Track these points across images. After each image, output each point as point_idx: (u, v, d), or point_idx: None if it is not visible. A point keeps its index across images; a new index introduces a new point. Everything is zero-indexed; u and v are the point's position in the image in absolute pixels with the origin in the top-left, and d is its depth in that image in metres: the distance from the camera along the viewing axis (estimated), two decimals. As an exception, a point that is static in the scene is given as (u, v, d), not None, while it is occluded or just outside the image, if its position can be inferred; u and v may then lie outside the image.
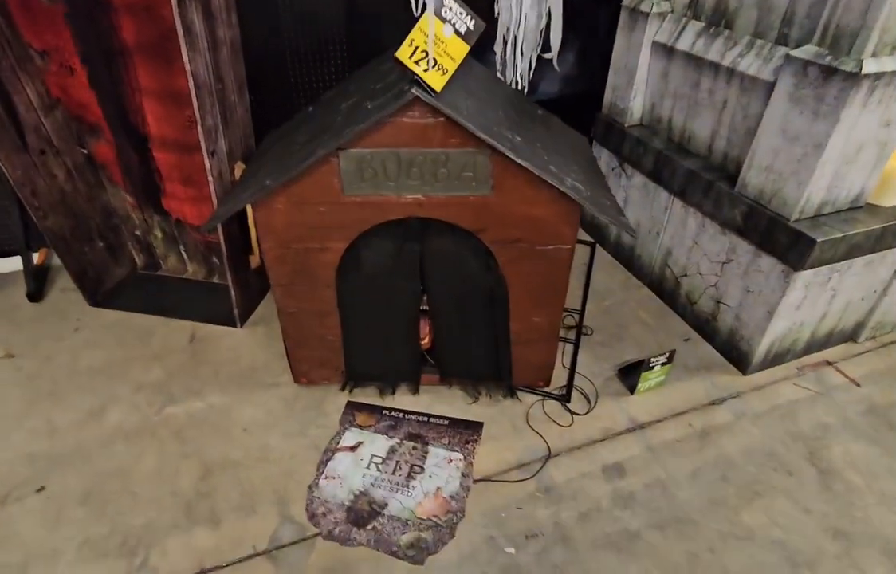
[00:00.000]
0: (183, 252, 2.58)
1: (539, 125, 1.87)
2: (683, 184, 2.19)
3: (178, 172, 2.24)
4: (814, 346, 2.17)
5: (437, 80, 1.34)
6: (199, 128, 1.77)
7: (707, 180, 2.08)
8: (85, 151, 2.29)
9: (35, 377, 2.06)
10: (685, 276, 2.33)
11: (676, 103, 2.29)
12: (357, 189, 1.54)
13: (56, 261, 2.60)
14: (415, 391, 2.00)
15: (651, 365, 1.95)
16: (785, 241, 1.81)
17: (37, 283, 2.47)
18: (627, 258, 2.70)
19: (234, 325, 2.31)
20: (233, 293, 2.20)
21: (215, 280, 2.53)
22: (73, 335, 2.27)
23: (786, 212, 1.82)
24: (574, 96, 3.02)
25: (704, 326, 2.27)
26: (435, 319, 1.85)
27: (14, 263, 2.57)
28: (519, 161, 1.43)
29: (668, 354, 1.97)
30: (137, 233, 2.54)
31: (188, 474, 1.73)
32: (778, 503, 1.69)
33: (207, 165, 1.84)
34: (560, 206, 1.56)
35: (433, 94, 1.35)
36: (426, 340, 1.93)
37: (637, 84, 2.42)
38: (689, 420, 1.95)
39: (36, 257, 2.55)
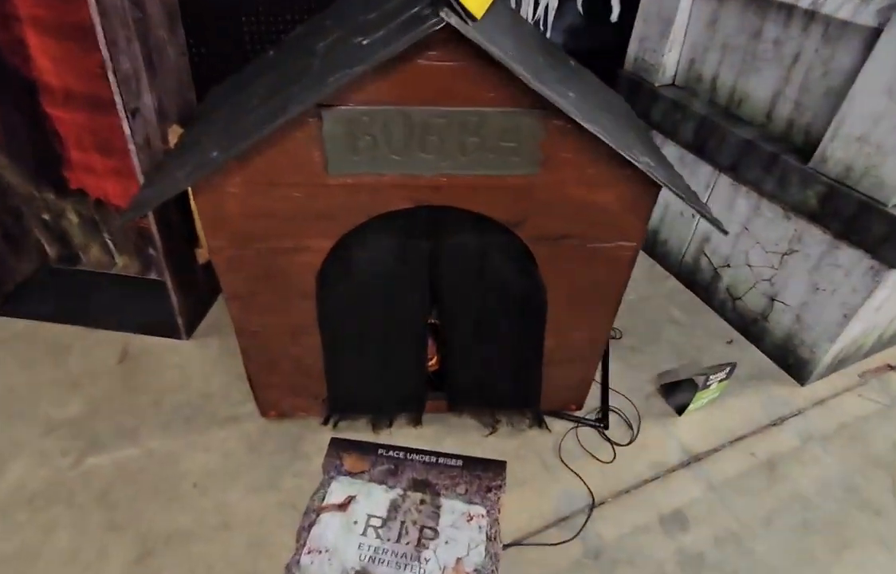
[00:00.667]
0: (108, 241, 2.03)
1: (577, 80, 1.43)
2: (736, 157, 1.81)
3: (93, 138, 1.69)
4: (876, 348, 1.87)
5: (476, 1, 0.88)
6: (111, 74, 1.25)
7: (770, 153, 1.70)
8: (-36, 111, 1.70)
9: None
10: (727, 266, 1.97)
11: (725, 58, 1.89)
12: (348, 166, 1.07)
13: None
14: (417, 422, 1.58)
15: (708, 382, 1.59)
16: (880, 230, 1.46)
17: None
18: (650, 243, 2.33)
19: (178, 337, 1.81)
20: (174, 296, 1.70)
21: (154, 277, 2.01)
22: (-42, 355, 1.72)
23: (882, 195, 1.46)
24: (582, 52, 2.57)
25: (750, 327, 1.93)
26: (447, 336, 1.42)
27: None
28: (587, 126, 0.99)
29: (727, 368, 1.61)
30: (46, 217, 1.97)
31: (119, 555, 1.26)
32: (872, 554, 1.38)
33: (127, 129, 1.33)
34: (629, 190, 1.14)
35: (471, 22, 0.89)
36: (433, 361, 1.51)
37: (674, 34, 2.01)
38: (750, 447, 1.61)
39: None
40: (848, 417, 1.71)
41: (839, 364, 1.79)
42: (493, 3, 1.06)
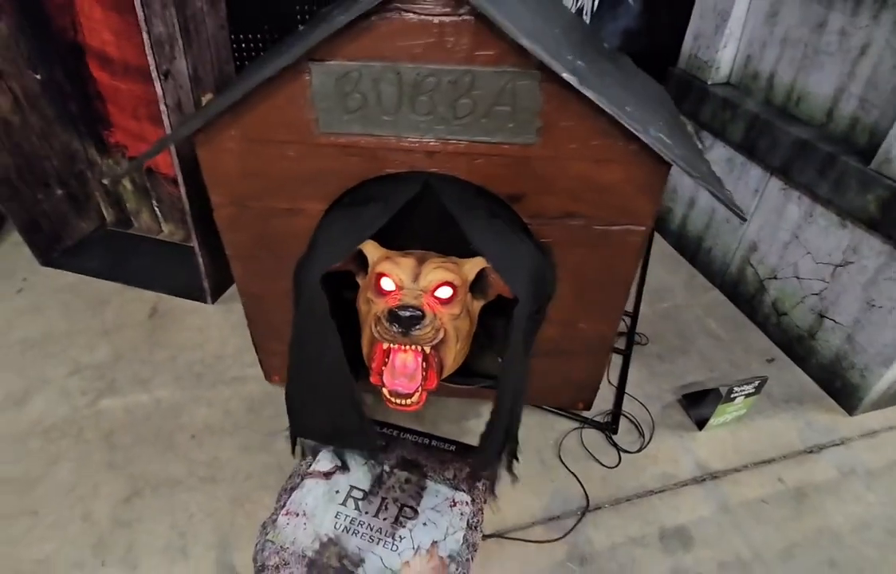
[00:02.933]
0: (157, 208, 2.16)
1: (607, 60, 1.36)
2: (789, 158, 1.65)
3: (146, 109, 1.81)
4: (949, 384, 1.63)
5: (459, -51, 0.85)
6: (145, 36, 1.32)
7: (827, 154, 1.54)
8: (38, 77, 1.87)
9: (-46, 346, 1.70)
10: (774, 278, 1.80)
11: (785, 53, 1.74)
12: (339, 125, 1.07)
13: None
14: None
15: (733, 395, 1.45)
16: (947, 241, 1.27)
17: (-18, 233, 2.10)
18: (693, 251, 2.18)
19: (204, 301, 1.89)
20: (200, 259, 1.78)
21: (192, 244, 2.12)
22: (14, 298, 1.89)
23: (952, 200, 1.28)
24: (638, 55, 2.47)
25: (795, 345, 1.75)
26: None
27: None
28: (584, 90, 0.93)
29: (756, 383, 1.46)
30: (106, 182, 2.14)
31: (110, 493, 1.32)
32: (915, 612, 1.19)
33: (158, 90, 1.40)
34: (638, 168, 1.06)
35: (453, -28, 0.86)
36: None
37: (730, 29, 1.87)
38: (778, 472, 1.45)
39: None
40: (904, 457, 1.50)
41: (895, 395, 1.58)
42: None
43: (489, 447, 1.22)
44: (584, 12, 1.92)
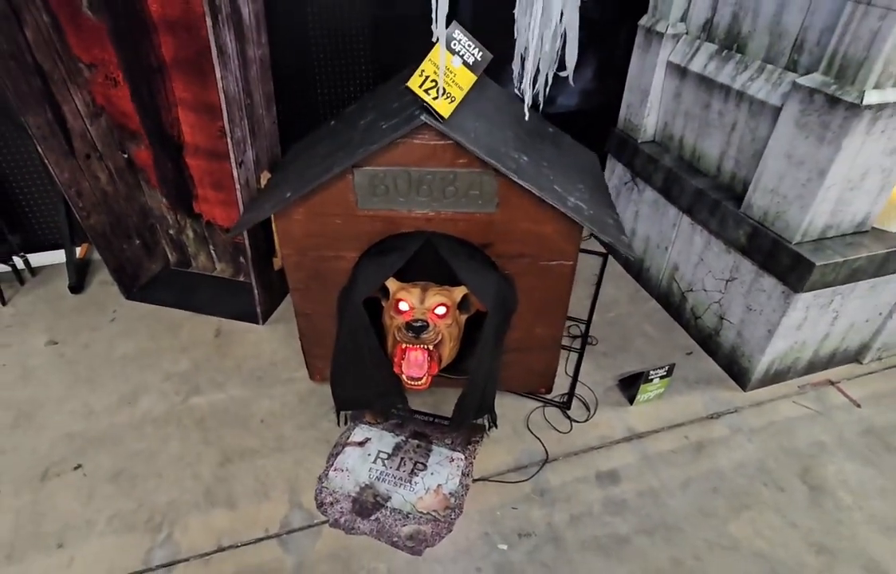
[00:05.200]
0: (212, 251, 2.74)
1: (549, 144, 1.95)
2: (691, 201, 2.24)
3: (210, 178, 2.39)
4: (816, 365, 2.19)
5: (445, 108, 1.44)
6: (229, 139, 1.90)
7: (714, 199, 2.13)
8: (125, 156, 2.46)
9: (75, 363, 2.24)
10: (691, 291, 2.37)
11: (688, 123, 2.34)
12: (370, 204, 1.65)
13: (96, 255, 2.79)
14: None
15: (650, 377, 2.01)
16: (786, 262, 1.85)
17: (78, 276, 2.66)
18: (637, 271, 2.76)
19: (256, 322, 2.45)
20: (256, 292, 2.35)
21: (241, 279, 2.69)
22: (110, 325, 2.45)
23: (788, 234, 1.86)
24: (592, 110, 3.08)
25: (707, 341, 2.32)
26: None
27: (59, 256, 2.77)
28: (521, 183, 1.52)
29: (667, 368, 2.03)
30: (171, 232, 2.71)
31: (209, 460, 1.87)
32: (765, 516, 1.74)
33: (235, 174, 1.98)
34: (562, 225, 1.64)
35: (441, 120, 1.45)
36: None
37: (651, 102, 2.48)
38: (685, 432, 2.01)
39: (78, 251, 2.75)
40: (779, 417, 2.06)
41: (777, 374, 2.14)
42: (480, 93, 1.60)
43: (462, 411, 1.82)
44: (539, 94, 2.50)
